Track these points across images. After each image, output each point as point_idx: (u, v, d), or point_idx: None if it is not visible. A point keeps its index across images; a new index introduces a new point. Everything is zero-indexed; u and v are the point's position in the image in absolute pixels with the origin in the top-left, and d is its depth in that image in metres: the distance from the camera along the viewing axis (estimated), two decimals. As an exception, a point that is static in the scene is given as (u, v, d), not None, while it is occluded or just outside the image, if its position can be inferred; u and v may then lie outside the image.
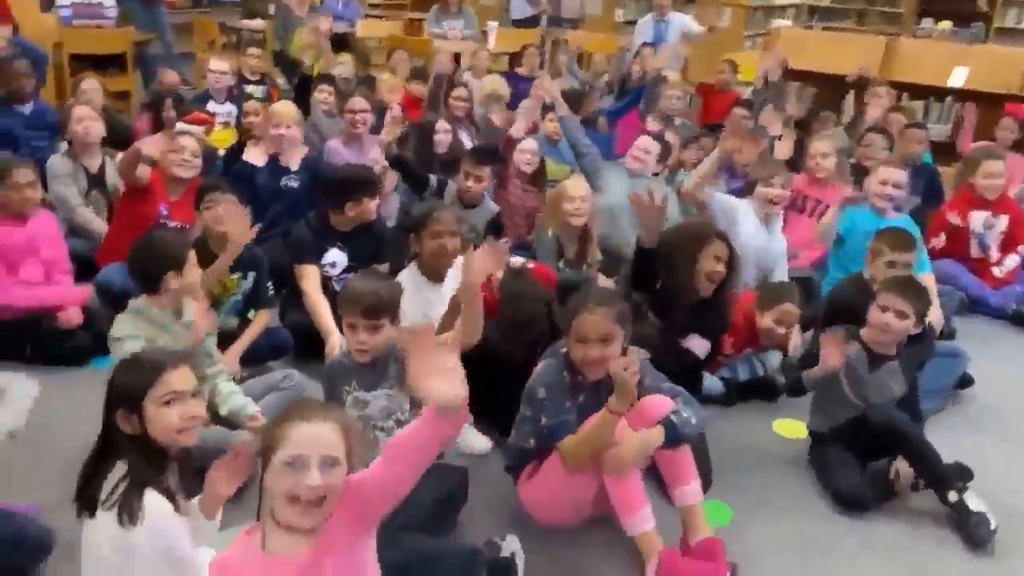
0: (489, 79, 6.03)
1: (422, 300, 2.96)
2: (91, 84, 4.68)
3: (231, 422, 2.58)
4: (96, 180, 4.02)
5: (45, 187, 3.66)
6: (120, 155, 3.66)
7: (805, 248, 4.11)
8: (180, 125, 4.35)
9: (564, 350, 2.38)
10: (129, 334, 2.44)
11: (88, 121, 3.94)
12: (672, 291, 2.88)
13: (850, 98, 5.87)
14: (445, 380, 1.39)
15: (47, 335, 3.16)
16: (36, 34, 6.01)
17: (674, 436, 2.22)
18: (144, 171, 3.59)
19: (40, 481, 2.47)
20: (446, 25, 7.83)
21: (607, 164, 4.30)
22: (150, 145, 3.86)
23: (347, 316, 2.31)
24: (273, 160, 4.12)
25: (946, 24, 7.86)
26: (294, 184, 4.10)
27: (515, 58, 7.21)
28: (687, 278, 2.83)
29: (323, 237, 3.39)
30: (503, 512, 2.51)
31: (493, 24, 8.40)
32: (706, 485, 2.46)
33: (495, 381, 2.34)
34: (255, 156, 4.16)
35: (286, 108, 4.22)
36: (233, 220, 2.93)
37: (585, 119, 5.02)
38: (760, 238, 3.67)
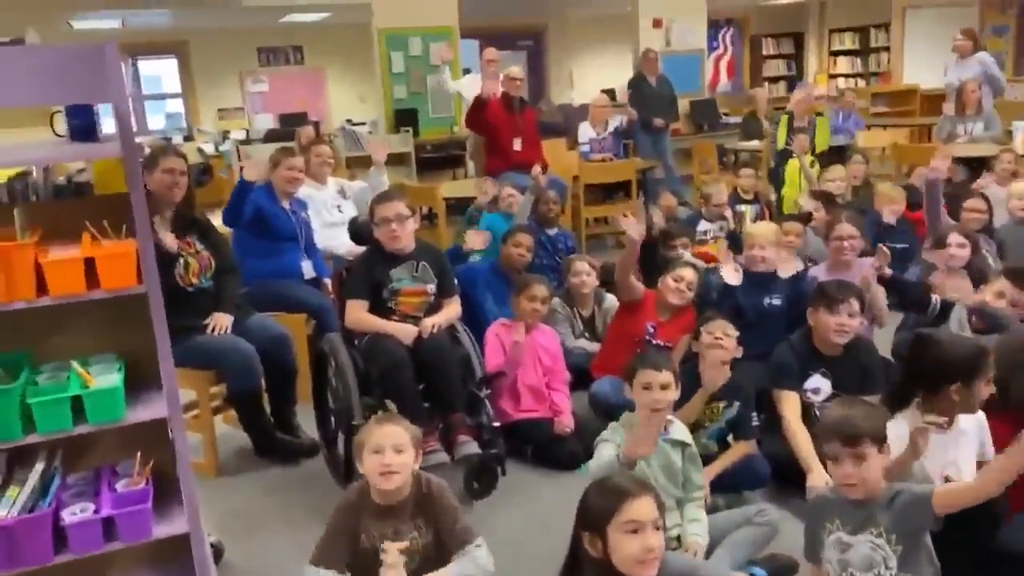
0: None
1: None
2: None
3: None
4: (589, 323, 4.38)
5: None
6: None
7: None
8: (687, 256, 4.63)
9: None
10: (607, 439, 2.58)
11: (583, 275, 4.33)
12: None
13: None
14: None
15: (545, 438, 3.50)
16: (560, 169, 6.97)
17: None
18: (636, 286, 3.86)
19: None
20: (961, 128, 7.17)
21: None
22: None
23: (828, 448, 2.15)
24: (752, 278, 4.08)
25: None
26: (777, 302, 4.01)
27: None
28: None
29: (807, 361, 3.24)
30: None
31: (1020, 123, 7.44)
32: None
33: None
34: (729, 275, 4.17)
35: (763, 229, 4.18)
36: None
37: None
38: None
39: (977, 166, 6.54)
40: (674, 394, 2.64)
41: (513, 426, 3.49)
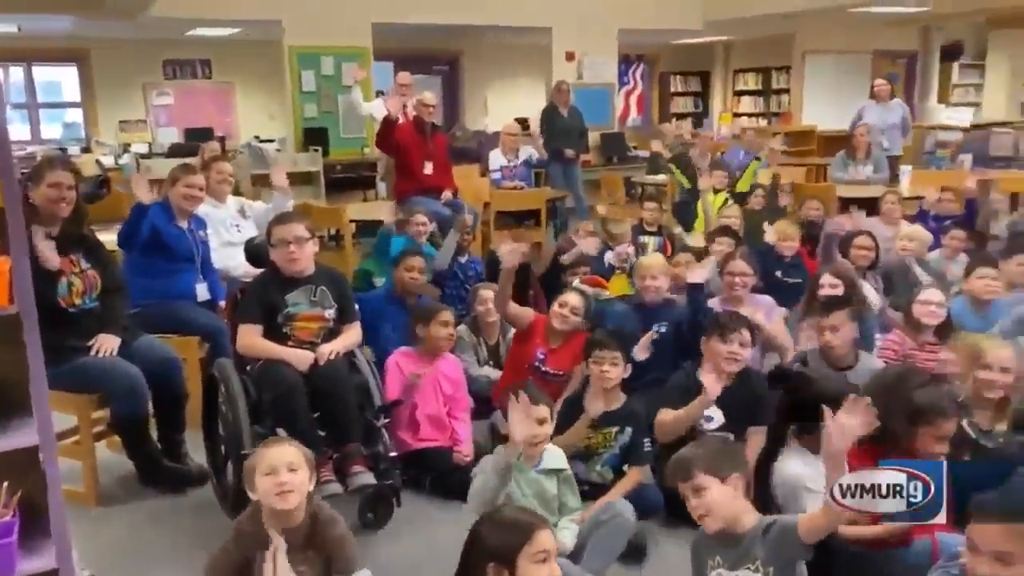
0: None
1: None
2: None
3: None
4: (494, 352, 4.36)
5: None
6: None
7: None
8: (576, 283, 4.66)
9: None
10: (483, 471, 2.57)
11: (489, 303, 4.28)
12: None
13: None
14: None
15: (444, 468, 3.45)
16: (471, 195, 6.99)
17: None
18: (518, 310, 3.86)
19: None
20: (851, 171, 7.54)
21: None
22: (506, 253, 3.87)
23: (673, 487, 2.27)
24: (641, 309, 4.15)
25: None
26: (663, 330, 4.03)
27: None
28: None
29: (701, 388, 3.29)
30: None
31: (907, 168, 7.88)
32: None
33: None
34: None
35: (653, 260, 4.31)
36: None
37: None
38: None
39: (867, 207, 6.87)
40: (550, 428, 2.68)
41: (411, 455, 3.45)
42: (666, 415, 3.22)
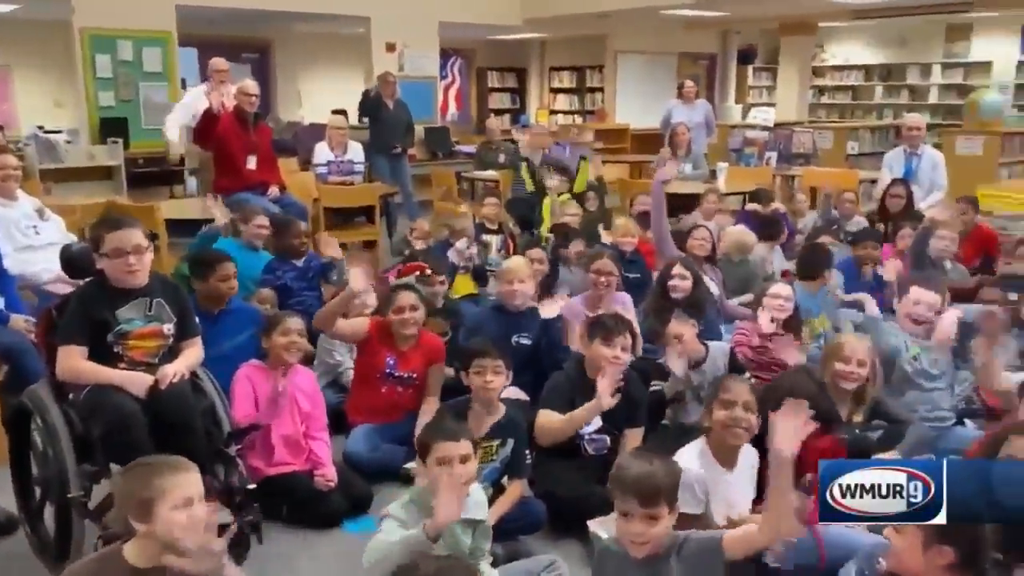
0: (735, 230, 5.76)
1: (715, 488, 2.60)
2: None
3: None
4: None
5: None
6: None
7: None
8: (392, 280, 4.43)
9: None
10: (397, 516, 2.31)
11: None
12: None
13: None
14: None
15: (304, 496, 3.13)
16: (298, 191, 6.56)
17: None
18: (346, 325, 3.59)
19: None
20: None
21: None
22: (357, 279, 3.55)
23: (620, 503, 2.06)
24: (503, 314, 4.00)
25: None
26: (525, 342, 3.92)
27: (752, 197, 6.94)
28: None
29: (579, 391, 3.16)
30: None
31: (723, 165, 8.27)
32: None
33: None
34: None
35: (518, 263, 4.16)
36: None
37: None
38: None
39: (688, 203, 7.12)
40: (474, 466, 2.40)
41: (265, 483, 3.08)
42: (550, 420, 3.08)
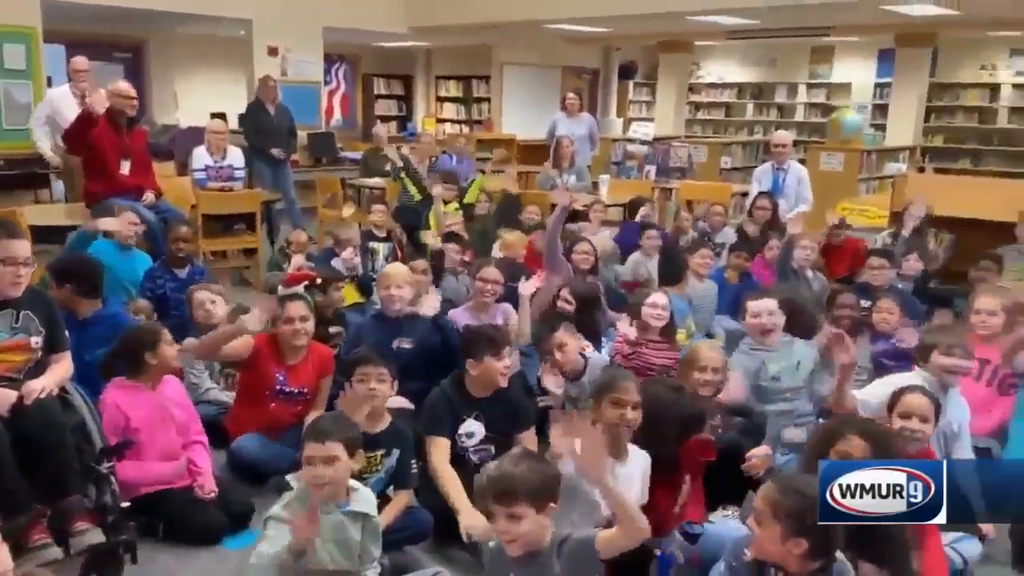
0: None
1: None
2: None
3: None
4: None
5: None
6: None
7: (979, 413, 3.72)
8: (281, 290, 4.36)
9: None
10: (279, 517, 2.32)
11: (208, 306, 4.00)
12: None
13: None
14: None
15: (182, 511, 3.04)
16: (175, 198, 6.34)
17: None
18: (229, 348, 3.47)
19: None
20: (557, 180, 7.95)
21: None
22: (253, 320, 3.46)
23: (480, 502, 2.17)
24: (384, 320, 4.00)
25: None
26: (407, 346, 3.93)
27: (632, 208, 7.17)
28: None
29: (459, 406, 3.21)
30: None
31: (605, 177, 8.49)
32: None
33: None
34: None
35: (396, 269, 4.18)
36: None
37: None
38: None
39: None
40: (345, 465, 2.41)
41: (140, 500, 2.97)
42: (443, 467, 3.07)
